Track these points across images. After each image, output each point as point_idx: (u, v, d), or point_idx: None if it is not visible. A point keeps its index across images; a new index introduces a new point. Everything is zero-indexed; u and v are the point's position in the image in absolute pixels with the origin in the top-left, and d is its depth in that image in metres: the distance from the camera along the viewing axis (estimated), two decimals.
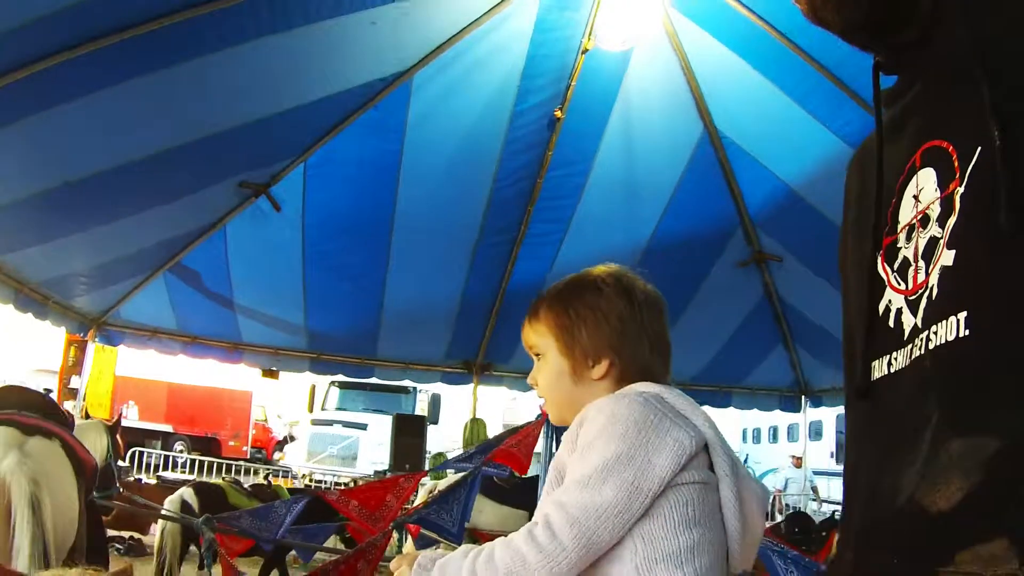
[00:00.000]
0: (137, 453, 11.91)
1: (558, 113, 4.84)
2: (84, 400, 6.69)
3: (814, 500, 12.81)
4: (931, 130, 0.81)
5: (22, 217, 4.48)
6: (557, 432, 3.73)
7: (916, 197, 0.82)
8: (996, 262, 0.70)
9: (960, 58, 0.77)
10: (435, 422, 13.00)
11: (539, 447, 3.68)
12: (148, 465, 12.00)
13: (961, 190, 0.74)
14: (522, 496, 5.54)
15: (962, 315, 0.71)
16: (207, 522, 3.35)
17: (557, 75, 4.67)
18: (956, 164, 0.75)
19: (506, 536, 1.27)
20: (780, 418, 14.84)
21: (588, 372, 1.42)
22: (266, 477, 6.99)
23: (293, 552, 5.34)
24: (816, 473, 14.08)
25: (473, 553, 1.27)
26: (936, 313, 0.74)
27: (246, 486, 5.83)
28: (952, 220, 0.75)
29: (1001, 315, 0.69)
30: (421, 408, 13.46)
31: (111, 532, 6.13)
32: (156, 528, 5.16)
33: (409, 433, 7.32)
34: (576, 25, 4.39)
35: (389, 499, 3.64)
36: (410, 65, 4.52)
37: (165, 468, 12.22)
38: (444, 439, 12.82)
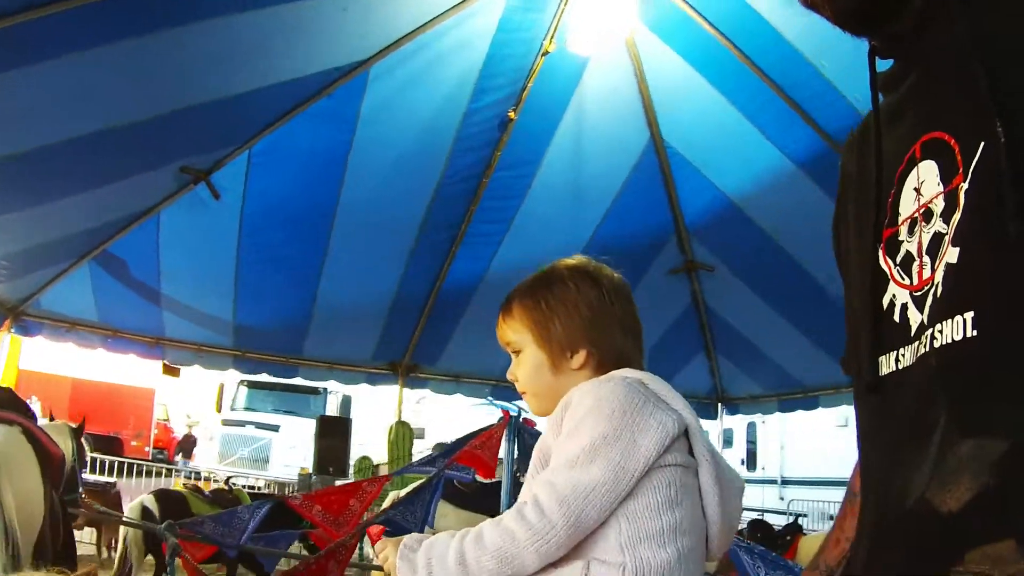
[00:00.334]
0: None
1: (511, 114, 4.89)
2: None
3: None
4: (931, 121, 0.81)
5: None
6: (519, 435, 3.74)
7: (917, 190, 0.82)
8: (1003, 262, 0.70)
9: (959, 51, 0.77)
10: None
11: (502, 451, 3.67)
12: None
13: (965, 186, 0.74)
14: (484, 501, 5.50)
15: (969, 315, 0.71)
16: (169, 528, 3.19)
17: (515, 75, 4.72)
18: (959, 159, 0.75)
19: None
20: None
21: (567, 363, 1.45)
22: (227, 482, 6.64)
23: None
24: None
25: (460, 533, 1.29)
26: (942, 311, 0.74)
27: (207, 492, 5.56)
28: (956, 216, 0.75)
29: (1009, 316, 0.69)
30: (332, 409, 13.13)
31: None
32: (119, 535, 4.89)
33: (332, 435, 7.12)
34: (539, 26, 4.47)
35: (352, 503, 3.56)
36: (370, 55, 4.46)
37: None
38: (355, 442, 12.57)
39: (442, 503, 3.97)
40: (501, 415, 3.75)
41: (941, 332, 0.74)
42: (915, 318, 0.80)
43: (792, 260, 5.25)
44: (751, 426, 13.67)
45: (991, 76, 0.73)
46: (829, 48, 3.94)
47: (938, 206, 0.78)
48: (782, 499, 13.88)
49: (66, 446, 3.39)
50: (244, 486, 9.81)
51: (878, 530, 0.82)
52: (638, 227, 5.69)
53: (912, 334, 0.80)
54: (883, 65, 0.96)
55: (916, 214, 0.81)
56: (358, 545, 4.62)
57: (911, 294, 0.81)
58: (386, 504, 4.35)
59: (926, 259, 0.79)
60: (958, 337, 0.71)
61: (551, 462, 1.32)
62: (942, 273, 0.76)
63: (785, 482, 13.57)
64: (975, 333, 0.70)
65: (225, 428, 12.73)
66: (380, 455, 7.31)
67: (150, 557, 4.74)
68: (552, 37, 4.47)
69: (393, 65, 4.53)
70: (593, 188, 5.41)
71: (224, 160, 4.87)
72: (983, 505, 0.67)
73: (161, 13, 3.68)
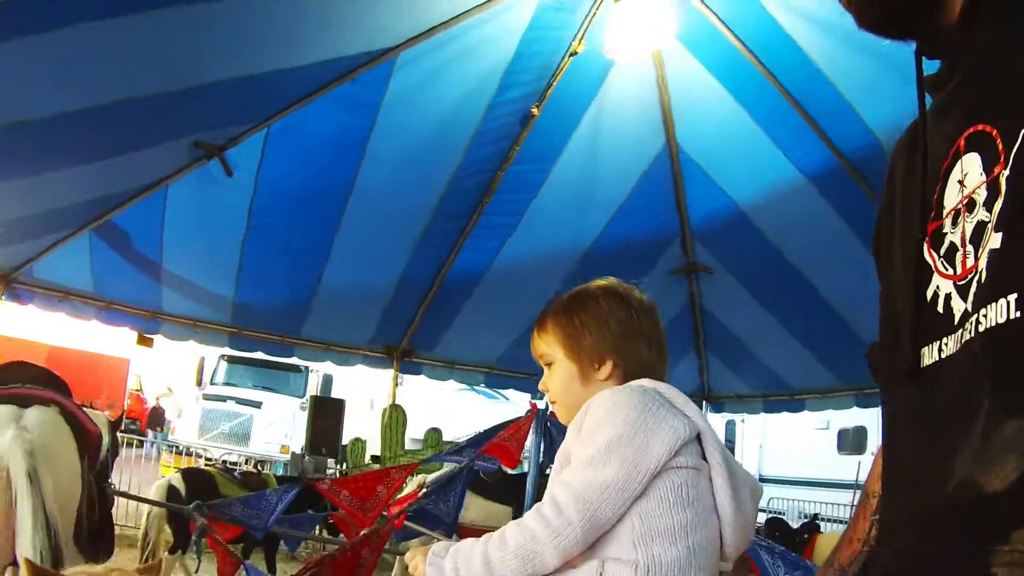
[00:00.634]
0: None
1: (534, 110, 4.92)
2: None
3: None
4: (975, 115, 0.81)
5: None
6: (547, 427, 3.82)
7: (961, 182, 0.82)
8: None
9: (1003, 46, 0.78)
10: None
11: (528, 443, 3.75)
12: None
13: (1007, 172, 0.74)
14: (508, 492, 5.57)
15: (1012, 297, 0.70)
16: (198, 508, 3.21)
17: (540, 73, 4.75)
18: (1000, 147, 0.75)
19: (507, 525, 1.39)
20: None
21: (594, 374, 1.58)
22: (249, 462, 6.62)
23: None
24: None
25: (485, 537, 1.38)
26: (986, 296, 0.74)
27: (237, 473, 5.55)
28: (999, 203, 0.75)
29: None
30: (312, 388, 13.05)
31: None
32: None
33: (326, 416, 7.12)
34: (570, 27, 4.49)
35: (380, 489, 3.61)
36: (399, 43, 4.44)
37: None
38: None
39: (467, 494, 4.04)
40: (529, 408, 3.83)
41: (986, 316, 0.73)
42: (959, 307, 0.80)
43: (793, 268, 5.39)
44: (730, 424, 13.96)
45: None
46: (851, 70, 4.06)
47: (981, 195, 0.78)
48: None
49: (104, 437, 3.40)
50: (225, 462, 9.76)
51: (918, 518, 0.81)
52: (644, 228, 5.79)
53: (955, 323, 0.80)
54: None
55: (960, 205, 0.82)
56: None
57: (954, 284, 0.81)
58: (412, 488, 4.40)
59: (969, 248, 0.80)
60: (1002, 320, 0.71)
61: (570, 463, 1.40)
62: (986, 260, 0.76)
63: (763, 480, 13.92)
64: (1018, 314, 0.70)
65: (207, 403, 12.57)
66: (360, 435, 7.33)
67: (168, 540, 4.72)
68: (582, 39, 4.50)
69: (421, 55, 4.52)
70: (605, 188, 5.47)
71: (240, 137, 4.81)
72: None
73: None
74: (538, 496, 3.98)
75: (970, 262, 0.79)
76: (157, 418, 18.30)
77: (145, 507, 4.75)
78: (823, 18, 3.84)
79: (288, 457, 9.73)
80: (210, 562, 3.68)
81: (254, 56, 4.25)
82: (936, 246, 0.85)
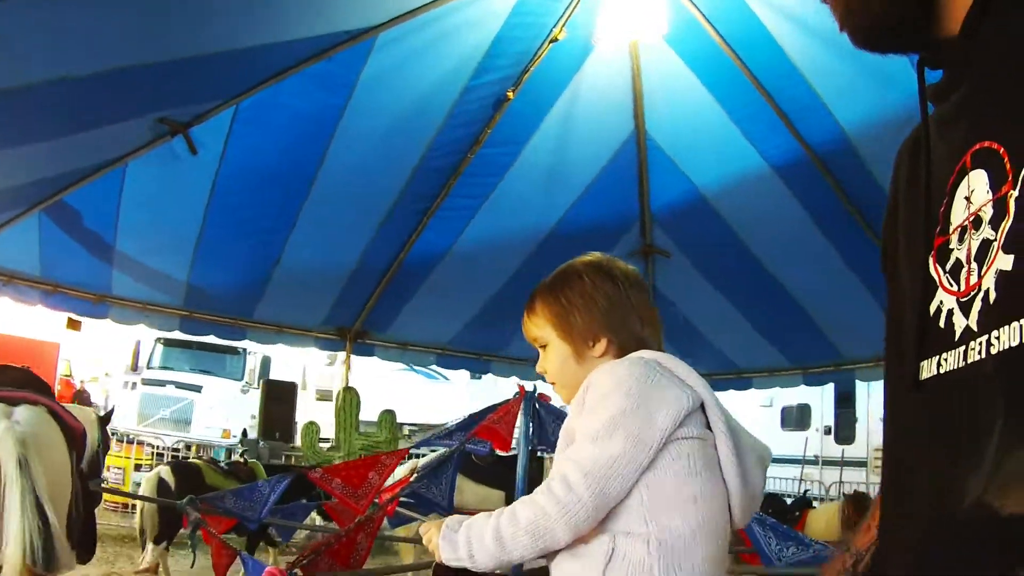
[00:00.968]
0: None
1: (510, 94, 4.91)
2: None
3: None
4: (981, 131, 0.80)
5: None
6: (535, 409, 3.88)
7: (968, 199, 0.82)
8: None
9: (1010, 59, 0.78)
10: None
11: (518, 425, 3.80)
12: None
13: (1015, 193, 0.74)
14: (502, 476, 5.55)
15: None
16: (191, 503, 3.13)
17: (518, 59, 4.74)
18: (1008, 167, 0.76)
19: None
20: None
21: (589, 351, 1.59)
22: (242, 455, 6.32)
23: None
24: None
25: (496, 512, 1.41)
26: (996, 318, 0.74)
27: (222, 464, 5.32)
28: (1007, 223, 0.75)
29: None
30: (250, 371, 12.61)
31: None
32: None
33: (279, 400, 6.95)
34: (552, 14, 4.50)
35: (371, 476, 3.60)
36: (381, 22, 4.34)
37: None
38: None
39: (459, 477, 4.06)
40: (517, 390, 3.87)
41: (998, 339, 0.74)
42: (960, 323, 0.80)
43: (750, 253, 5.62)
44: None
45: None
46: (827, 69, 4.25)
47: (987, 213, 0.78)
48: None
49: (92, 434, 3.31)
50: (166, 447, 9.37)
51: (929, 533, 0.81)
52: (606, 212, 5.89)
53: (956, 339, 0.80)
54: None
55: (966, 222, 0.82)
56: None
57: (957, 300, 0.81)
58: (404, 473, 4.37)
59: (973, 265, 0.80)
60: (1015, 343, 0.71)
61: (575, 439, 1.42)
62: (992, 279, 0.76)
63: None
64: None
65: (145, 388, 11.94)
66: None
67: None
68: (563, 26, 4.52)
69: (401, 35, 4.43)
70: (571, 172, 5.53)
71: (206, 115, 4.60)
72: None
73: None
74: (528, 479, 4.06)
75: (973, 279, 0.79)
76: (82, 403, 17.31)
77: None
78: (804, 18, 4.00)
79: (230, 441, 9.45)
80: (204, 554, 3.59)
81: (231, 31, 4.07)
82: (942, 261, 0.85)
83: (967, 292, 0.80)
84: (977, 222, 0.80)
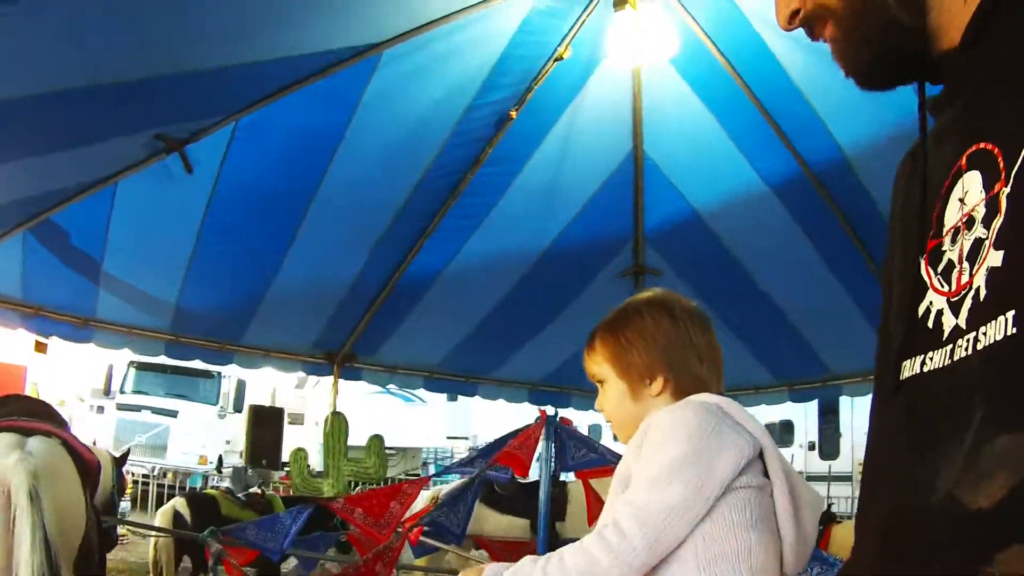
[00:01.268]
0: None
1: (513, 113, 4.91)
2: None
3: None
4: (977, 134, 0.80)
5: None
6: (557, 434, 3.83)
7: (962, 200, 0.82)
8: None
9: (1009, 67, 0.79)
10: (239, 410, 11.85)
11: (539, 450, 3.75)
12: None
13: (1007, 190, 0.74)
14: (522, 504, 5.41)
15: (1011, 314, 0.70)
16: (212, 534, 3.02)
17: (522, 77, 4.75)
18: (1002, 165, 0.75)
19: (569, 545, 1.38)
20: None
21: (646, 390, 1.57)
22: (259, 486, 6.05)
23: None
24: None
25: (543, 559, 1.36)
26: (984, 315, 0.74)
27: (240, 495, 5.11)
28: (998, 221, 0.74)
29: None
30: (225, 395, 12.20)
31: None
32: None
33: (265, 426, 6.74)
34: (557, 32, 4.53)
35: (393, 505, 3.52)
36: (386, 39, 4.31)
37: None
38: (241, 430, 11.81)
39: (481, 507, 3.97)
40: (538, 414, 3.82)
41: (985, 334, 0.73)
42: (949, 323, 0.80)
43: (743, 269, 5.69)
44: None
45: None
46: (828, 89, 4.34)
47: (980, 213, 0.78)
48: None
49: (106, 474, 3.20)
50: (143, 475, 8.97)
51: (897, 527, 0.80)
52: (599, 232, 5.90)
53: (944, 338, 0.80)
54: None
55: (959, 223, 0.82)
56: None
57: (947, 300, 0.81)
58: (426, 502, 4.25)
59: (965, 265, 0.79)
60: (999, 336, 0.70)
61: (632, 483, 1.39)
62: (983, 277, 0.75)
63: None
64: (1015, 331, 0.69)
65: (120, 413, 11.44)
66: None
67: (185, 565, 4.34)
68: (569, 44, 4.55)
69: (406, 52, 4.40)
70: (567, 192, 5.54)
71: (203, 132, 4.49)
72: (1019, 502, 0.65)
73: None
74: (551, 505, 3.99)
75: (964, 278, 0.79)
76: None
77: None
78: (807, 39, 4.09)
79: (206, 468, 9.11)
80: None
81: (235, 47, 3.99)
82: (934, 263, 0.85)
83: (958, 291, 0.79)
84: (970, 222, 0.80)
